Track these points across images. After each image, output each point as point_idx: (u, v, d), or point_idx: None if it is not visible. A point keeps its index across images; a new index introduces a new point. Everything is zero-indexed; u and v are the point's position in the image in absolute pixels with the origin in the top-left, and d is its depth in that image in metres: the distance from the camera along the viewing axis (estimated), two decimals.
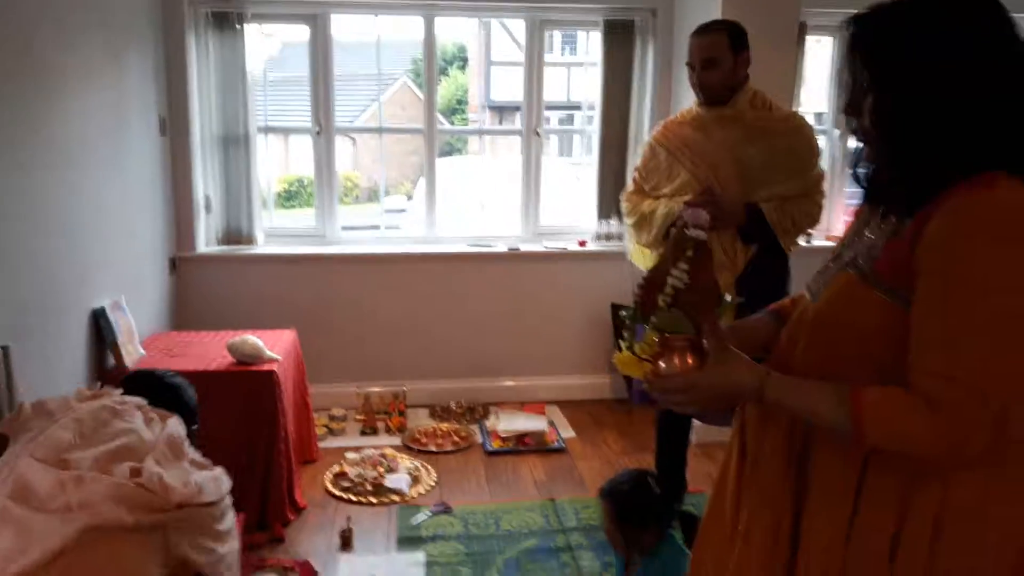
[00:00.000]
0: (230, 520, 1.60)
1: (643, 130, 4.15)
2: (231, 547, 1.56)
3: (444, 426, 3.94)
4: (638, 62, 4.17)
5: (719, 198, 2.49)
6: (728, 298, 1.28)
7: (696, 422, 3.26)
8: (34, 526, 1.25)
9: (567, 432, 3.94)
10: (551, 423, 3.95)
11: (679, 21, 4.04)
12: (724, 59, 2.53)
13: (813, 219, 2.65)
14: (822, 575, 1.18)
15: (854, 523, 1.15)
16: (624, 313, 1.31)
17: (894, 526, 1.11)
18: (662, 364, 1.23)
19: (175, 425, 1.60)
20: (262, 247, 4.12)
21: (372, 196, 4.48)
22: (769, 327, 1.37)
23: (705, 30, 2.57)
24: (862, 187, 1.23)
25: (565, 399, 4.32)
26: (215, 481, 1.55)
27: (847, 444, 1.12)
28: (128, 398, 1.61)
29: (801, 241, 2.81)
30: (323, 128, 4.12)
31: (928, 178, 1.08)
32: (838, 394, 1.08)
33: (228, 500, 1.61)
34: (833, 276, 1.20)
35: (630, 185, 2.86)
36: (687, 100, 3.32)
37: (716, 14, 3.42)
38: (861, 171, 1.21)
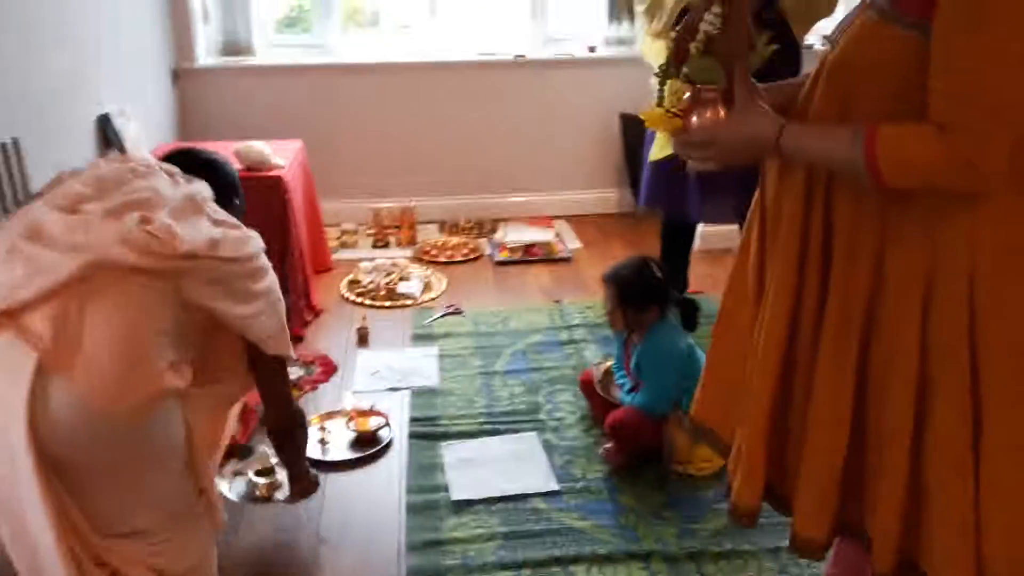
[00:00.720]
0: (265, 282, 1.57)
1: None
2: (264, 308, 1.54)
3: (454, 239, 4.01)
4: None
5: None
6: (763, 44, 1.24)
7: (701, 226, 3.29)
8: (42, 261, 1.30)
9: (573, 243, 4.01)
10: (558, 235, 4.01)
11: None
12: None
13: (830, 4, 2.53)
14: (850, 324, 1.18)
15: (883, 270, 1.14)
16: (657, 68, 1.28)
17: (925, 269, 1.10)
18: (694, 119, 1.21)
19: (201, 186, 1.56)
20: (263, 58, 4.03)
21: (374, 20, 4.30)
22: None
23: None
24: None
25: (573, 214, 4.36)
26: (239, 240, 1.50)
27: (866, 189, 1.10)
28: (156, 162, 1.56)
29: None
30: None
31: None
32: (853, 133, 1.07)
33: (260, 261, 1.56)
34: (851, 21, 1.16)
35: None
36: None
37: None
38: None
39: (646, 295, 2.23)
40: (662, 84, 1.27)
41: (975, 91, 0.99)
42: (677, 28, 1.25)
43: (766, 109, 1.19)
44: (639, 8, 2.72)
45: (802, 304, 1.24)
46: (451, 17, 4.29)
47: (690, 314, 2.34)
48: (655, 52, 2.66)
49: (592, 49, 4.16)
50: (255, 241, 1.57)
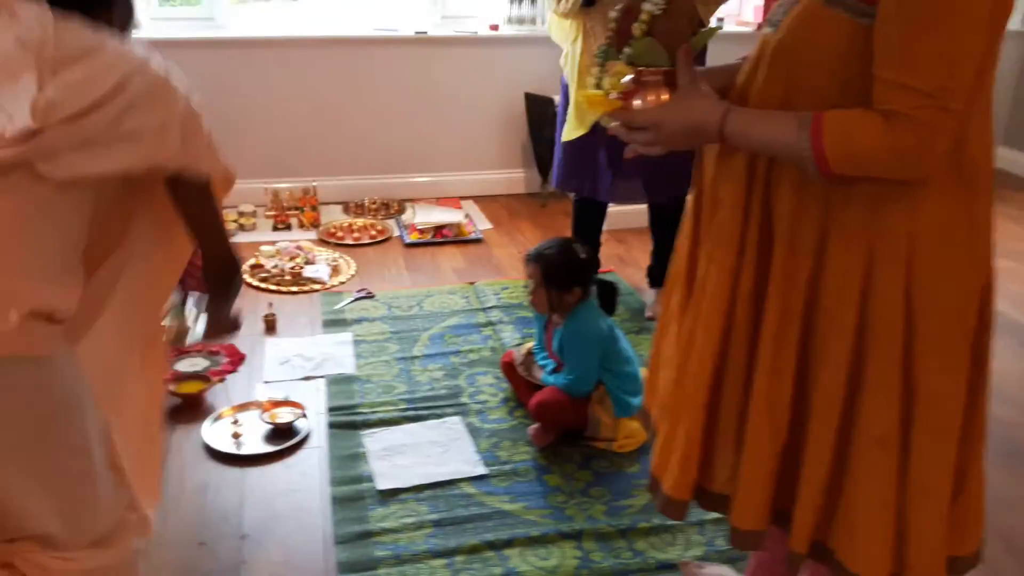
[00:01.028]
0: (158, 107, 1.21)
1: None
2: (165, 127, 1.21)
3: (360, 221, 3.90)
4: None
5: None
6: (710, 24, 1.22)
7: (611, 207, 3.33)
8: None
9: (483, 224, 3.98)
10: (467, 216, 3.97)
11: None
12: None
13: None
14: (790, 313, 1.17)
15: (824, 258, 1.14)
16: (598, 49, 1.25)
17: (865, 256, 1.11)
18: (636, 102, 1.18)
19: (35, 14, 1.13)
20: (147, 32, 3.76)
21: None
22: None
23: None
24: None
25: (480, 194, 4.32)
26: (96, 75, 1.12)
27: (809, 178, 1.10)
28: None
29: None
30: None
31: None
32: (799, 119, 1.06)
33: (137, 84, 1.16)
34: (793, 3, 1.13)
35: None
36: None
37: None
38: None
39: (570, 276, 2.23)
40: (601, 65, 1.25)
41: (921, 82, 0.99)
42: (617, 8, 1.23)
43: (710, 92, 1.18)
44: None
45: (739, 293, 1.23)
46: None
47: (609, 296, 2.37)
48: (563, 32, 2.65)
49: (495, 28, 4.12)
50: (128, 59, 1.18)
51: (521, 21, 4.14)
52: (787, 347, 1.20)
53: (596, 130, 2.52)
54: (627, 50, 1.18)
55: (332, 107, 4.03)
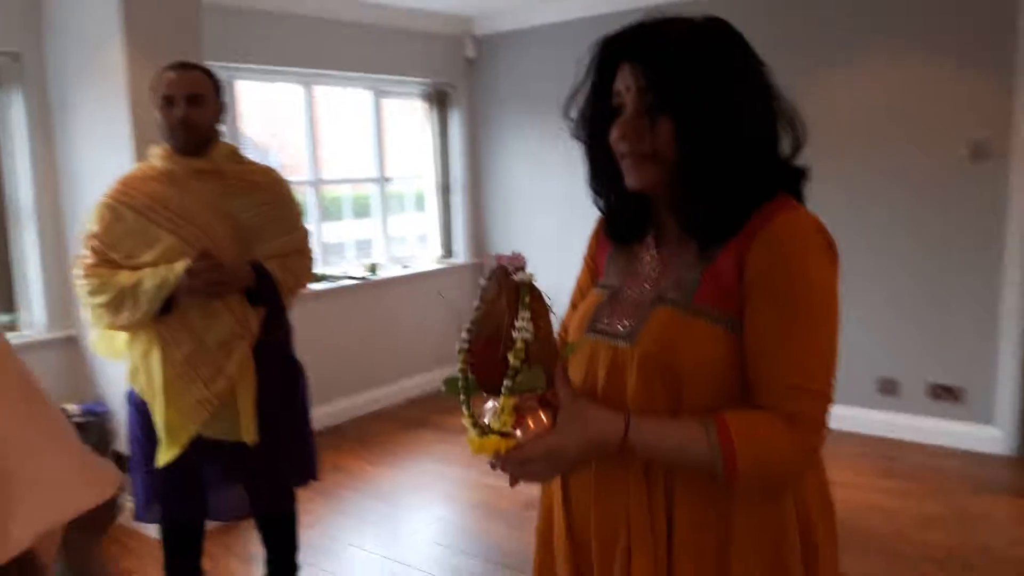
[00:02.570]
0: None
1: (28, 197, 3.50)
2: None
3: None
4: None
5: (220, 260, 2.19)
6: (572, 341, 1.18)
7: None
8: None
9: None
10: None
11: (52, 64, 3.46)
12: (209, 99, 2.28)
13: (310, 275, 2.51)
14: None
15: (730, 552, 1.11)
16: (448, 386, 1.14)
17: (769, 548, 1.11)
18: (519, 432, 1.09)
19: None
20: None
21: None
22: None
23: (185, 66, 2.28)
24: (609, 217, 1.25)
25: None
26: None
27: (710, 483, 1.08)
28: None
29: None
30: None
31: (744, 203, 1.09)
32: (703, 424, 1.05)
33: None
34: (648, 314, 1.14)
35: (89, 256, 2.27)
36: (75, 156, 3.38)
37: (107, 55, 3.17)
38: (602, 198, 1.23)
39: None
40: (466, 403, 1.12)
41: (814, 383, 1.06)
42: (466, 339, 1.10)
43: (595, 405, 1.13)
44: (96, 300, 2.24)
45: None
46: None
47: None
48: (117, 346, 2.35)
49: None
50: None
51: None
52: None
53: (195, 444, 2.25)
54: (508, 382, 1.07)
55: None
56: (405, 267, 5.41)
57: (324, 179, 4.93)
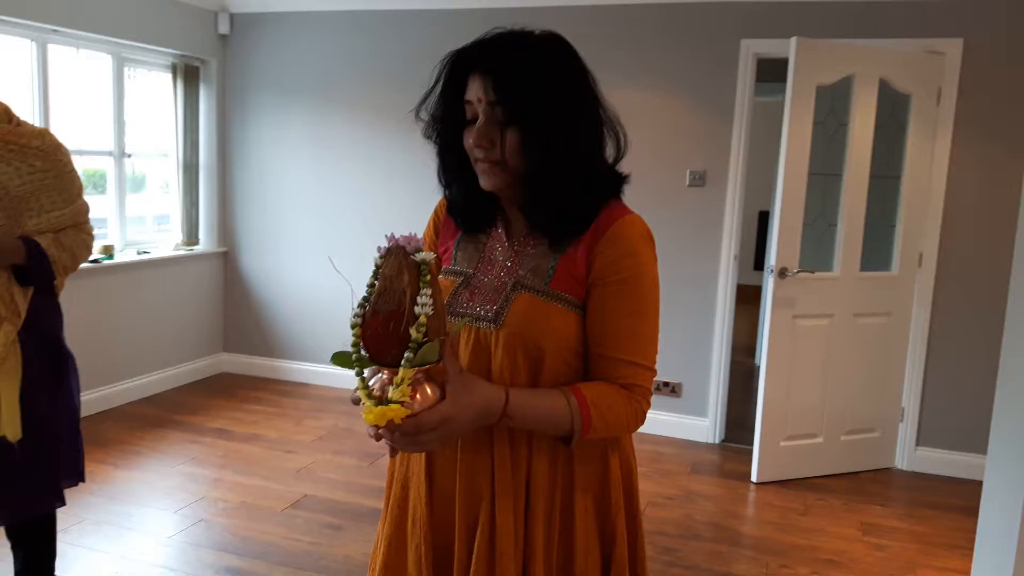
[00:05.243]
0: None
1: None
2: None
3: None
4: None
5: None
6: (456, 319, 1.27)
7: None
8: None
9: None
10: None
11: None
12: None
13: (87, 253, 2.33)
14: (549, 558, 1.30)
15: (571, 517, 1.31)
16: (338, 359, 1.10)
17: (600, 486, 1.34)
18: (415, 404, 1.10)
19: None
20: None
21: None
22: None
23: None
24: (460, 210, 1.35)
25: None
26: None
27: (558, 445, 1.27)
28: None
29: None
30: None
31: (588, 208, 1.26)
32: (563, 394, 1.21)
33: None
34: (511, 298, 1.26)
35: None
36: None
37: None
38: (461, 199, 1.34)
39: None
40: (361, 376, 1.11)
41: (646, 360, 1.27)
42: (358, 314, 1.09)
43: (478, 377, 1.19)
44: None
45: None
46: None
47: None
48: None
49: None
50: None
51: None
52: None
53: None
54: (409, 355, 1.06)
55: None
56: (143, 252, 4.93)
57: None
